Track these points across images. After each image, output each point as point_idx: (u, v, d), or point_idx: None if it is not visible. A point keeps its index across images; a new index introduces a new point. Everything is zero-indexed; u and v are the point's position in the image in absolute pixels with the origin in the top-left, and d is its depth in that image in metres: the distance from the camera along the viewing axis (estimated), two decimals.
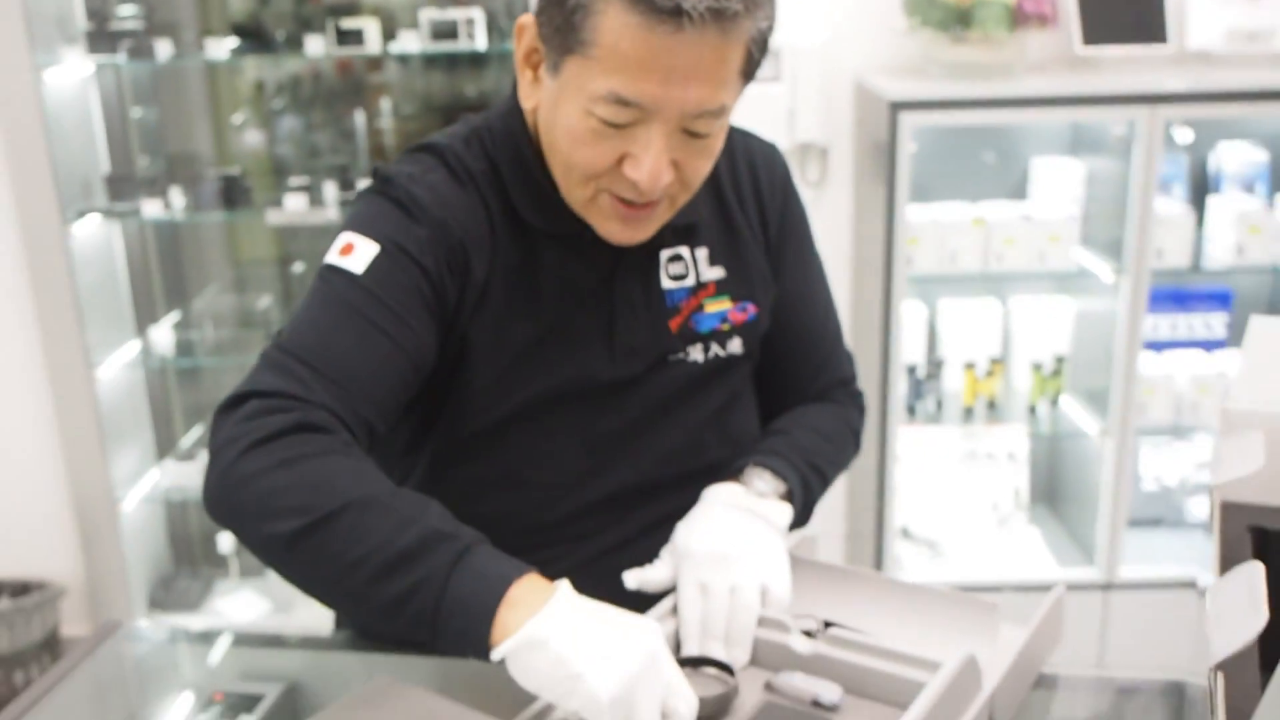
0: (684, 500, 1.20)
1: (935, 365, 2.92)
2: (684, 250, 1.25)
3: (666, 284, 1.24)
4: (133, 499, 2.96)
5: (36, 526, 2.98)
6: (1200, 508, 3.04)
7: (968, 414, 2.92)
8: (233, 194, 2.84)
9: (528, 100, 1.17)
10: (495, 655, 0.91)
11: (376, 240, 1.12)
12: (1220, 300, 2.99)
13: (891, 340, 2.69)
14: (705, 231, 1.27)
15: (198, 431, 3.18)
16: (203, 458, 3.02)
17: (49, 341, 2.79)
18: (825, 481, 1.30)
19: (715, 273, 1.27)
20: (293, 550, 0.97)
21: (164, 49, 2.74)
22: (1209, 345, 2.97)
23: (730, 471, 1.23)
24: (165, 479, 3.01)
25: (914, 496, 2.95)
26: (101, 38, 2.71)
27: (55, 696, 1.37)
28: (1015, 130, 2.93)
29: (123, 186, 2.81)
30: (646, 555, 1.18)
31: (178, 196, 2.80)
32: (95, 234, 2.89)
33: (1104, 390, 2.80)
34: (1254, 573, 0.83)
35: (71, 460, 2.89)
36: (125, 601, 2.94)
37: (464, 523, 1.28)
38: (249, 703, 1.37)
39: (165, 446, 3.15)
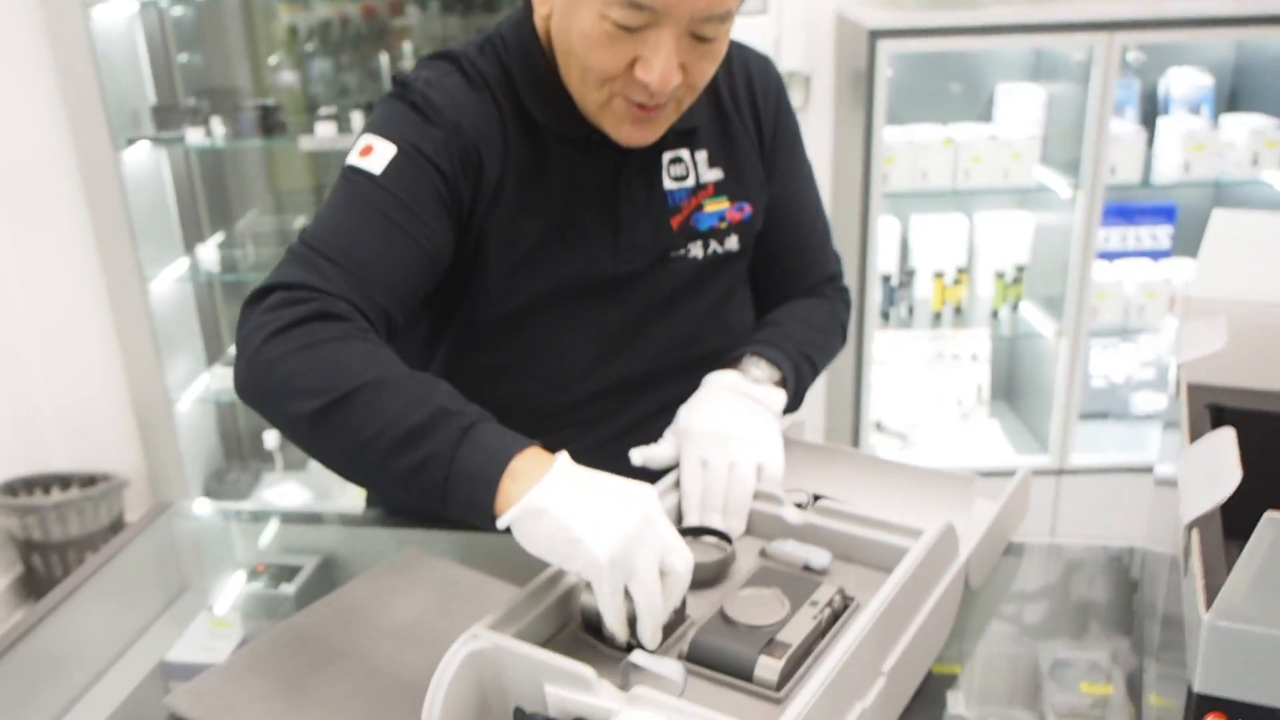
0: (685, 387, 1.15)
1: (907, 275, 2.86)
2: (684, 153, 1.19)
3: (669, 184, 1.18)
4: (186, 400, 2.92)
5: (102, 425, 2.95)
6: (1144, 402, 2.99)
7: (936, 319, 2.87)
8: (269, 122, 2.75)
9: (542, 7, 1.10)
10: (500, 523, 0.86)
11: (394, 142, 1.06)
12: (1166, 214, 2.91)
13: (869, 252, 2.63)
14: (704, 135, 1.20)
15: None
16: None
17: (106, 258, 2.73)
18: (815, 369, 1.25)
19: (714, 174, 1.21)
20: (315, 427, 0.92)
21: None
22: (1155, 255, 2.91)
23: (728, 360, 1.18)
24: (215, 383, 2.97)
25: (887, 393, 2.91)
26: None
27: (114, 566, 1.34)
28: (982, 57, 2.83)
29: (168, 116, 2.72)
30: (651, 438, 1.13)
31: (218, 126, 2.71)
32: (145, 160, 2.80)
33: (1060, 296, 2.74)
34: (1225, 439, 0.78)
35: (130, 366, 2.84)
36: (182, 491, 2.91)
37: (480, 406, 1.25)
38: (289, 573, 1.34)
39: (214, 354, 3.10)
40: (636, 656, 0.85)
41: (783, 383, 1.17)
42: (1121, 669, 1.08)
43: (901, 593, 0.90)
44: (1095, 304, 2.74)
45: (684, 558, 0.87)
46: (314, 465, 3.04)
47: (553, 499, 0.84)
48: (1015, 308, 2.86)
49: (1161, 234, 2.93)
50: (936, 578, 1.00)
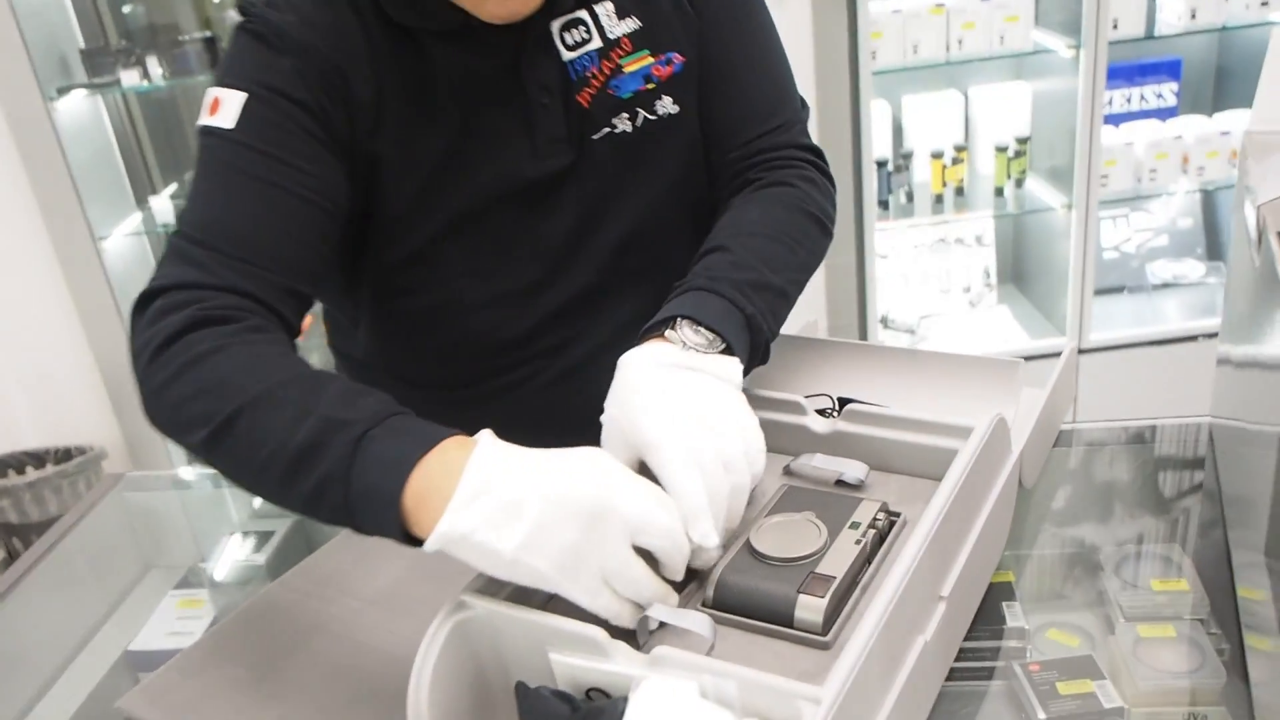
0: (659, 291, 0.93)
1: (904, 159, 2.69)
2: (581, 14, 0.97)
3: (567, 55, 0.97)
4: None
5: (71, 396, 2.79)
6: (1161, 271, 2.85)
7: (938, 202, 2.70)
8: (213, 57, 2.54)
9: None
10: (428, 549, 0.71)
11: (241, 87, 0.89)
12: (1170, 70, 2.74)
13: (861, 139, 2.45)
14: None
15: None
16: None
17: (52, 220, 2.54)
18: (787, 299, 0.95)
19: (626, 26, 0.98)
20: (212, 458, 0.79)
21: None
22: (1162, 114, 2.74)
23: (650, 327, 0.87)
24: None
25: (891, 287, 2.77)
26: None
27: (65, 549, 1.20)
28: None
29: (99, 60, 2.51)
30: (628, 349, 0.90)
31: (155, 66, 2.51)
32: (81, 110, 2.60)
33: (1066, 166, 2.58)
34: None
35: (92, 330, 2.67)
36: (165, 457, 2.77)
37: (423, 356, 1.05)
38: (261, 540, 1.20)
39: None
40: (655, 610, 0.71)
41: (730, 350, 0.86)
42: (1196, 560, 0.95)
43: (955, 502, 0.77)
44: (1104, 171, 2.58)
45: (664, 531, 0.71)
46: None
47: (469, 520, 0.68)
48: (1020, 183, 2.70)
49: (1167, 91, 2.76)
50: (991, 480, 0.86)
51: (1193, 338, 2.67)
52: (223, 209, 0.88)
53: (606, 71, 0.98)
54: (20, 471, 2.68)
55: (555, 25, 0.96)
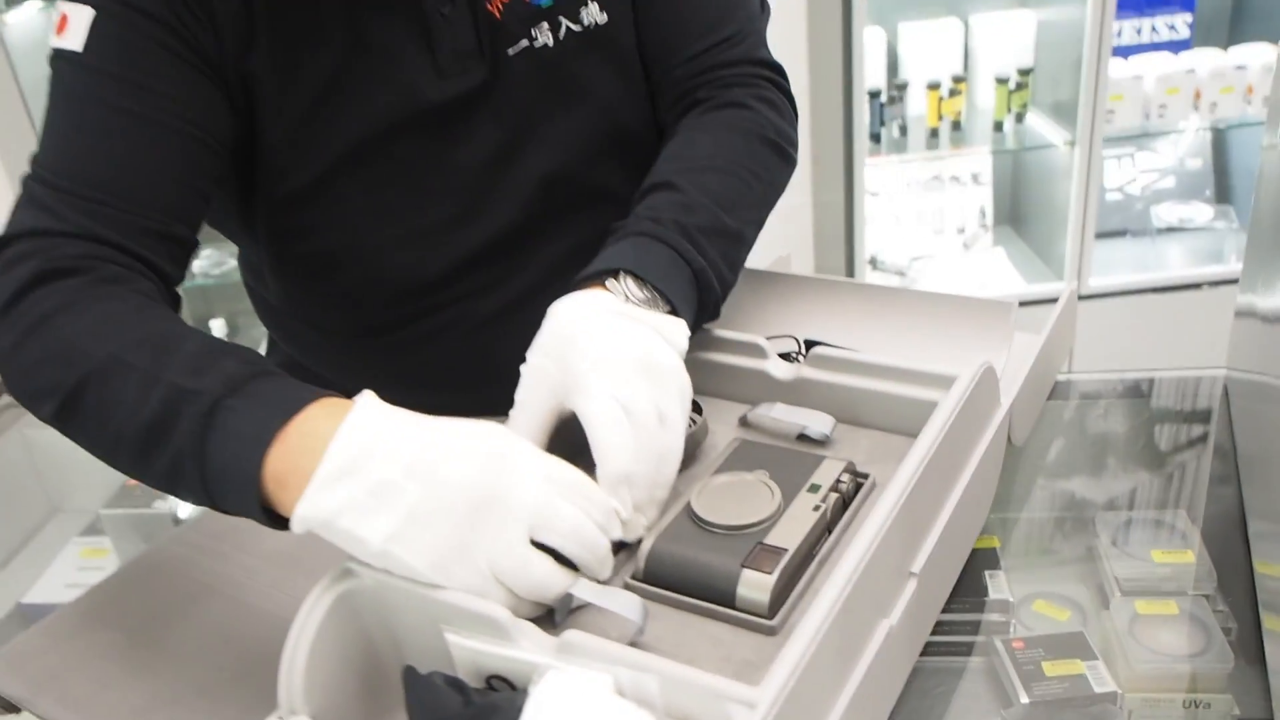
0: (594, 228, 0.84)
1: (898, 89, 2.55)
2: None
3: None
4: None
5: None
6: (1167, 214, 2.72)
7: (933, 137, 2.57)
8: None
9: None
10: (294, 531, 0.61)
11: (88, 1, 0.77)
12: (1183, 0, 2.59)
13: (854, 68, 2.31)
14: None
15: None
16: None
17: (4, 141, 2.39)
18: (744, 243, 0.84)
19: None
20: (67, 432, 0.71)
21: None
22: (1174, 46, 2.60)
23: (583, 276, 0.76)
24: None
25: (882, 226, 2.64)
26: None
27: None
28: None
29: None
30: (561, 294, 0.77)
31: None
32: (35, 25, 2.45)
33: (1070, 101, 2.44)
34: None
35: None
36: None
37: (332, 302, 0.93)
38: None
39: None
40: (577, 587, 0.61)
41: (675, 311, 0.76)
42: (1204, 529, 0.85)
43: (932, 463, 0.66)
44: (1110, 106, 2.44)
45: (570, 531, 0.61)
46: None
47: (331, 503, 0.59)
48: (1020, 118, 2.57)
49: (1179, 22, 2.62)
50: (975, 437, 0.75)
51: (1198, 285, 2.57)
52: (75, 144, 0.77)
53: None
54: None
55: None
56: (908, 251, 2.66)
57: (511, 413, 0.71)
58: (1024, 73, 2.52)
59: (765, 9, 0.98)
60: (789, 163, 0.91)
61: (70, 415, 0.69)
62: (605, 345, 0.69)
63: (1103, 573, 0.81)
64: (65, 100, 0.77)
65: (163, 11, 0.77)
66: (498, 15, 0.85)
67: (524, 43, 0.86)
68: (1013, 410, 0.82)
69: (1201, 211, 2.72)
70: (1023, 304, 0.89)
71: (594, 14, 0.87)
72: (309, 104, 0.83)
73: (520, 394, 0.70)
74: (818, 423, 0.76)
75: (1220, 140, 2.73)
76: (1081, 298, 2.56)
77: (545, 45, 0.87)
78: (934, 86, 2.52)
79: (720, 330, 0.84)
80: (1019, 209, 2.82)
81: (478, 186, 0.89)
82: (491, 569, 0.59)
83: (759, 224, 0.87)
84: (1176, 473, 0.93)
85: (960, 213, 2.68)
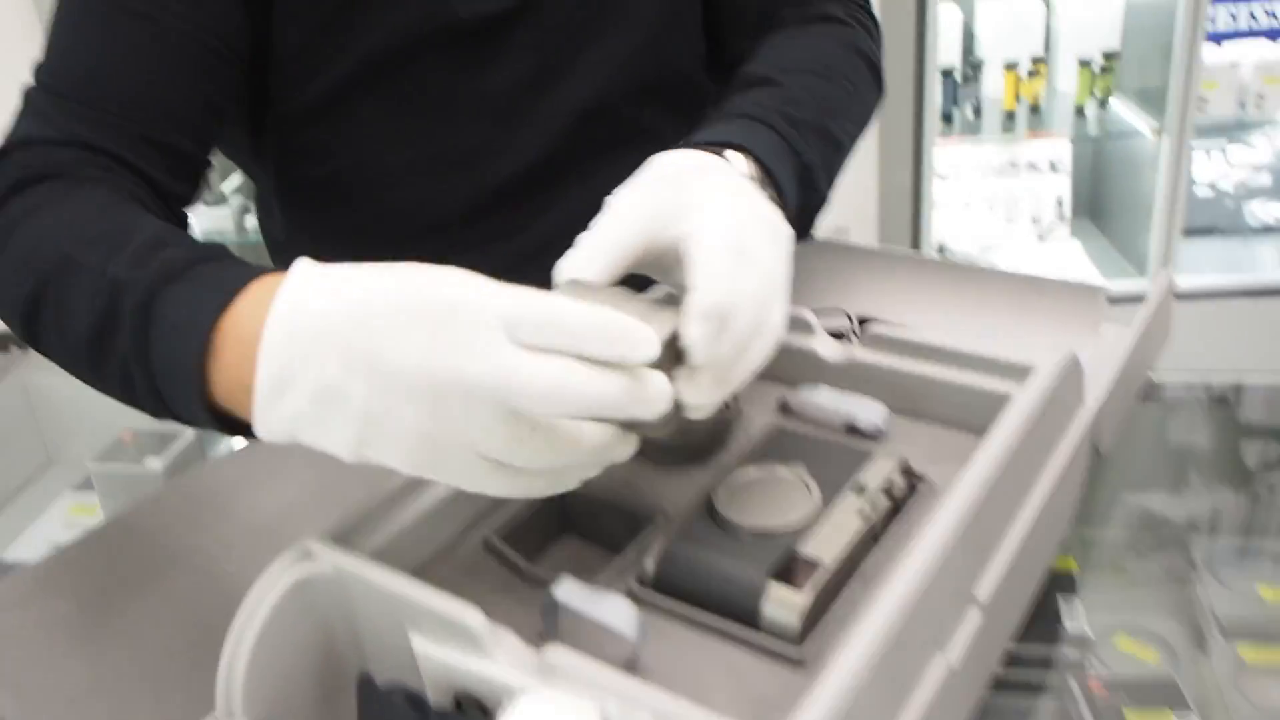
0: (633, 168, 0.69)
1: (973, 68, 2.41)
2: None
3: None
4: None
5: None
6: (1261, 212, 2.55)
7: (1009, 120, 2.43)
8: None
9: None
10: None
11: None
12: None
13: (926, 43, 2.18)
14: None
15: (235, 179, 2.75)
16: (236, 202, 2.63)
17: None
18: (842, 154, 0.76)
19: None
20: (38, 348, 0.65)
21: None
22: (1273, 35, 2.43)
23: (689, 143, 0.66)
24: (201, 223, 2.60)
25: (951, 212, 2.51)
26: None
27: None
28: None
29: None
30: None
31: None
32: None
33: (1159, 88, 2.29)
34: None
35: None
36: None
37: (340, 237, 0.86)
38: (159, 443, 1.02)
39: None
40: (561, 590, 0.51)
41: (780, 198, 0.67)
42: None
43: (1004, 467, 0.55)
44: (1203, 95, 2.28)
45: (547, 382, 0.44)
46: None
47: (285, 423, 0.49)
48: (1104, 104, 2.41)
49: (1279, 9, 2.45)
50: (1054, 440, 0.64)
51: None
52: (77, 46, 0.73)
53: None
54: None
55: None
56: (977, 239, 2.52)
57: (580, 238, 0.57)
58: (1109, 56, 2.37)
59: None
60: (881, 88, 0.84)
61: (34, 326, 0.62)
62: (724, 189, 0.58)
63: (1199, 608, 0.70)
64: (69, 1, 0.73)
65: None
66: None
67: None
68: (1099, 412, 0.70)
69: None
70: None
71: None
72: (329, 9, 0.76)
73: (602, 217, 0.57)
74: (868, 412, 0.66)
75: None
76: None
77: None
78: (1011, 67, 2.38)
79: None
80: (1100, 200, 2.67)
81: (507, 115, 0.81)
82: (477, 454, 0.46)
83: (854, 141, 0.78)
84: None
85: (1035, 201, 2.54)
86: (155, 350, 0.54)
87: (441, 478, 0.48)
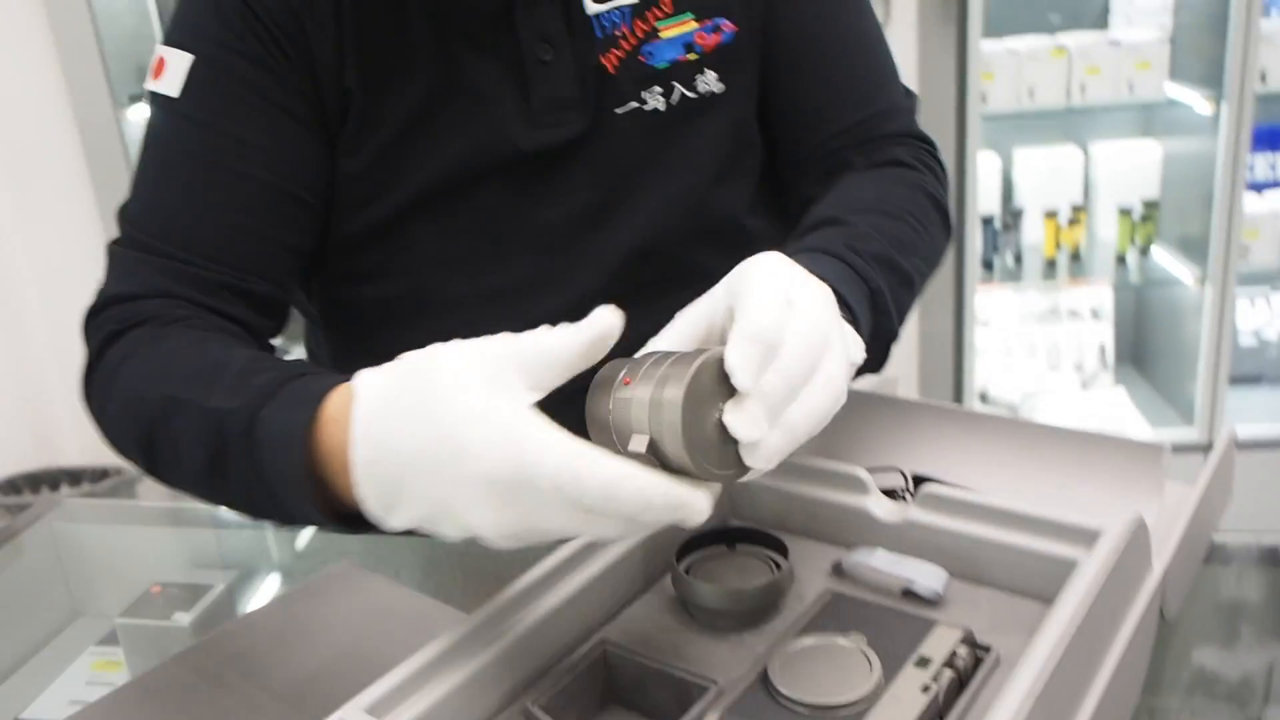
0: (678, 305, 0.71)
1: (1013, 216, 2.43)
2: None
3: (591, 7, 0.80)
4: None
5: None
6: None
7: (1049, 268, 2.44)
8: None
9: None
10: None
11: (189, 46, 0.77)
12: None
13: (967, 191, 2.21)
14: None
15: None
16: None
17: (113, 231, 2.42)
18: (911, 288, 0.77)
19: None
20: (159, 478, 0.71)
21: None
22: None
23: None
24: None
25: (993, 358, 2.49)
26: None
27: None
28: None
29: None
30: None
31: None
32: None
33: (1199, 236, 2.30)
34: None
35: None
36: None
37: (380, 361, 0.90)
38: (189, 597, 1.00)
39: None
40: None
41: (853, 321, 0.68)
42: None
43: (1074, 638, 0.52)
44: (1245, 243, 2.28)
45: (589, 474, 0.48)
46: None
47: (397, 518, 0.54)
48: (1145, 251, 2.42)
49: None
50: (1123, 608, 0.61)
51: None
52: (160, 194, 0.77)
53: (640, 34, 0.81)
54: (54, 488, 2.55)
55: None
56: (1020, 387, 2.50)
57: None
58: (1150, 205, 2.39)
59: (911, 95, 0.92)
60: (949, 230, 0.86)
61: (154, 464, 0.69)
62: (793, 287, 0.57)
63: None
64: (155, 146, 0.78)
65: (261, 54, 0.76)
66: (611, 70, 0.81)
67: (633, 104, 0.82)
68: (1166, 577, 0.67)
69: None
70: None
71: (710, 82, 0.83)
72: (392, 135, 0.79)
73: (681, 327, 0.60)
74: (927, 577, 0.63)
75: None
76: (1212, 447, 2.35)
77: (656, 110, 0.82)
78: (1052, 215, 2.40)
79: (811, 459, 0.71)
80: (1143, 348, 2.64)
81: (562, 249, 0.82)
82: (554, 531, 0.50)
83: (925, 279, 0.79)
84: None
85: (1078, 348, 2.52)
86: (265, 467, 0.59)
87: (531, 539, 0.51)
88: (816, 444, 0.74)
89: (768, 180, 0.89)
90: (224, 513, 1.02)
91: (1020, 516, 0.63)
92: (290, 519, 0.62)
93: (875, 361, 0.72)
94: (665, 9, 0.81)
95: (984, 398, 2.51)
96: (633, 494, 0.47)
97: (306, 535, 1.03)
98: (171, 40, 0.78)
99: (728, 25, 0.83)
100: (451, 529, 0.52)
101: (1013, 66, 2.19)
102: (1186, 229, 2.38)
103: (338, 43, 0.77)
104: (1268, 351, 2.55)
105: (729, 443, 0.50)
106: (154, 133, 0.78)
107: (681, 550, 0.66)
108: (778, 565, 0.64)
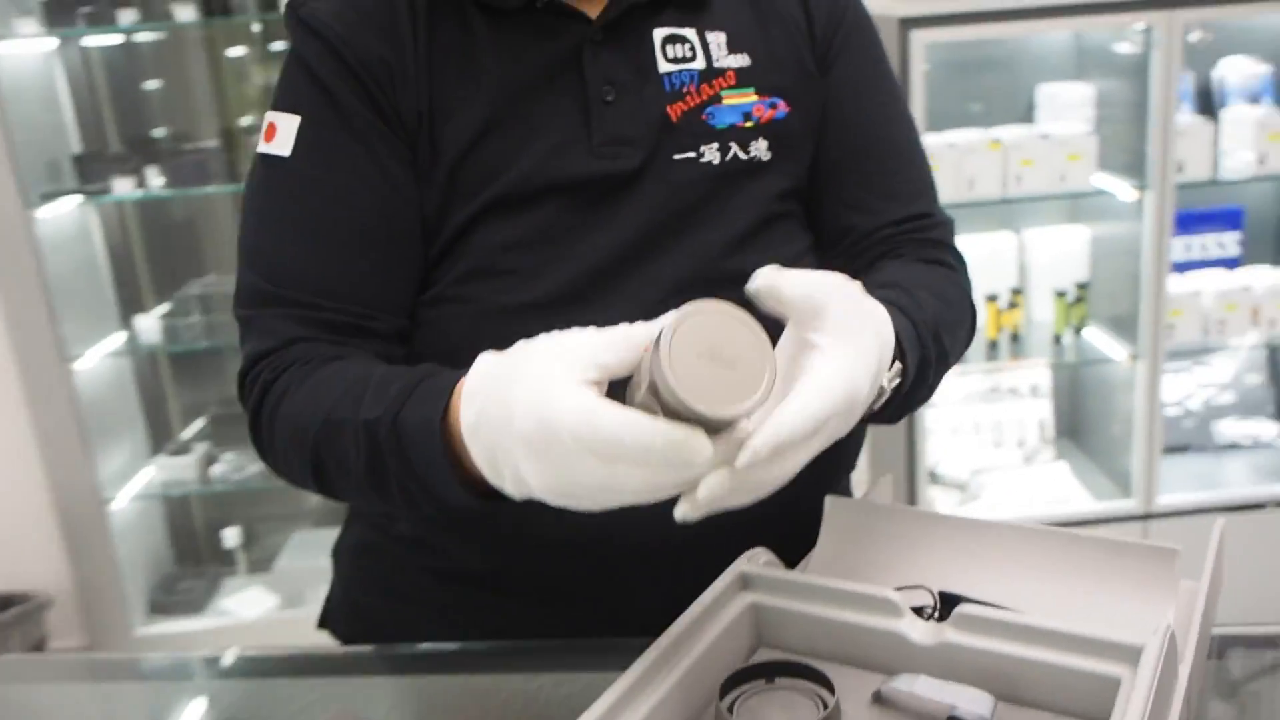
0: None
1: None
2: (689, 32, 0.90)
3: (665, 67, 0.89)
4: (124, 498, 2.49)
5: (17, 534, 2.50)
6: (1229, 430, 2.62)
7: (992, 348, 2.52)
8: (224, 168, 2.40)
9: None
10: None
11: (295, 110, 0.85)
12: (1231, 220, 2.59)
13: None
14: (722, 14, 0.92)
15: (199, 424, 2.74)
16: (200, 449, 2.60)
17: (18, 335, 2.33)
18: (945, 366, 0.84)
19: (737, 60, 0.91)
20: (334, 496, 0.82)
21: (127, 17, 2.30)
22: (1227, 264, 2.57)
23: None
24: (161, 474, 2.55)
25: (941, 438, 2.55)
26: (60, 9, 2.28)
27: None
28: (1019, 56, 2.52)
29: (93, 167, 2.37)
30: None
31: (156, 175, 2.36)
32: (68, 219, 2.45)
33: (1128, 316, 2.41)
34: None
35: (51, 460, 2.42)
36: (121, 608, 2.48)
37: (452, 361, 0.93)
38: None
39: (160, 439, 2.68)
40: None
41: (900, 373, 0.75)
42: None
43: None
44: (1170, 321, 2.39)
45: (618, 430, 0.57)
46: (280, 566, 2.64)
47: (505, 484, 0.64)
48: (1079, 331, 2.51)
49: (1229, 240, 2.61)
50: (1163, 716, 0.63)
51: (1260, 505, 2.46)
52: (285, 248, 0.85)
53: (704, 96, 0.90)
54: None
55: (659, 35, 0.90)
56: (968, 464, 2.56)
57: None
58: (1081, 286, 2.49)
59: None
60: (973, 328, 0.93)
61: (328, 485, 0.79)
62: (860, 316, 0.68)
63: None
64: (272, 203, 0.85)
65: (359, 105, 0.84)
66: (674, 118, 0.88)
67: (691, 154, 0.89)
68: (1191, 677, 0.69)
69: (1265, 428, 2.64)
70: (1092, 522, 0.80)
71: (759, 149, 0.90)
72: (451, 163, 0.86)
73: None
74: (972, 701, 0.64)
75: (1275, 358, 2.67)
76: (1152, 517, 2.43)
77: (710, 163, 0.89)
78: (992, 299, 2.48)
79: (838, 582, 0.72)
80: (1079, 423, 2.73)
81: (608, 271, 0.87)
82: (585, 483, 0.59)
83: (954, 361, 0.86)
84: None
85: (1019, 425, 2.59)
86: (414, 461, 0.69)
87: (581, 502, 0.61)
88: (832, 563, 0.75)
89: (810, 258, 0.94)
90: (267, 613, 0.93)
91: (1059, 635, 0.65)
92: (445, 504, 0.70)
93: (897, 413, 0.79)
94: (729, 81, 0.89)
95: (934, 476, 2.56)
96: (635, 437, 0.56)
97: (287, 683, 0.97)
98: (279, 106, 0.86)
99: (783, 105, 0.91)
100: (522, 487, 0.62)
101: (953, 159, 2.28)
102: (1116, 309, 2.48)
103: (417, 76, 0.84)
104: (1189, 422, 2.65)
105: (721, 385, 0.57)
106: (268, 190, 0.85)
107: (724, 688, 0.66)
108: (824, 701, 0.65)
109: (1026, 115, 2.54)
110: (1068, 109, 2.44)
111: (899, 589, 0.72)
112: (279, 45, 2.60)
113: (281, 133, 0.84)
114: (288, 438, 0.79)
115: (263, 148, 0.85)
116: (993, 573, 0.80)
